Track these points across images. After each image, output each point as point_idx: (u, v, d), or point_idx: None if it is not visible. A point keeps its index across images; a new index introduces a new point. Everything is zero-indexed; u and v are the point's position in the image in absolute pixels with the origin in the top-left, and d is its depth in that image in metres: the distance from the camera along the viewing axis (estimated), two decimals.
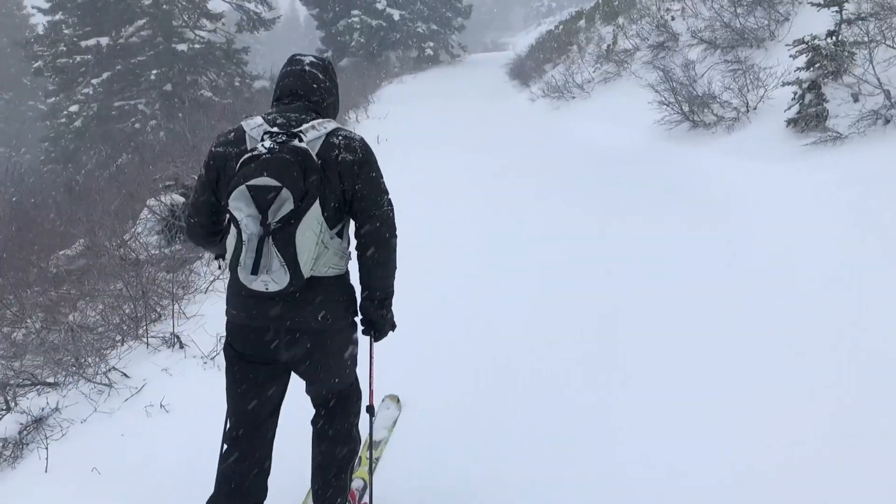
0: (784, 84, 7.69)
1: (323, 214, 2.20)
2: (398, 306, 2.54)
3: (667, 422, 3.35)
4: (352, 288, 2.46)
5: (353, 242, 2.42)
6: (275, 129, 2.20)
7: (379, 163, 2.38)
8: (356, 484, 2.94)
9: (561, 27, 25.46)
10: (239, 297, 2.28)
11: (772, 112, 8.26)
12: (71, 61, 24.65)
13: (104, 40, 24.06)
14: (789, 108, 7.66)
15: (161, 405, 3.77)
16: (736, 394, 3.47)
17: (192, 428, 3.57)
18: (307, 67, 2.45)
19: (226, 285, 2.40)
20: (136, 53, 23.95)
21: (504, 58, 27.19)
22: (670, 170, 8.25)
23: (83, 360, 4.23)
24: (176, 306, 5.03)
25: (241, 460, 2.39)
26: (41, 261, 8.10)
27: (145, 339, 4.50)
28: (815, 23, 9.62)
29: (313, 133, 2.23)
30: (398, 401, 3.66)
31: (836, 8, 7.54)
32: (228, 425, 2.43)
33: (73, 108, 24.43)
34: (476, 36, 50.91)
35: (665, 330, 4.28)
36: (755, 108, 8.70)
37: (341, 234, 2.34)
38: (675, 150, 9.08)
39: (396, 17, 31.37)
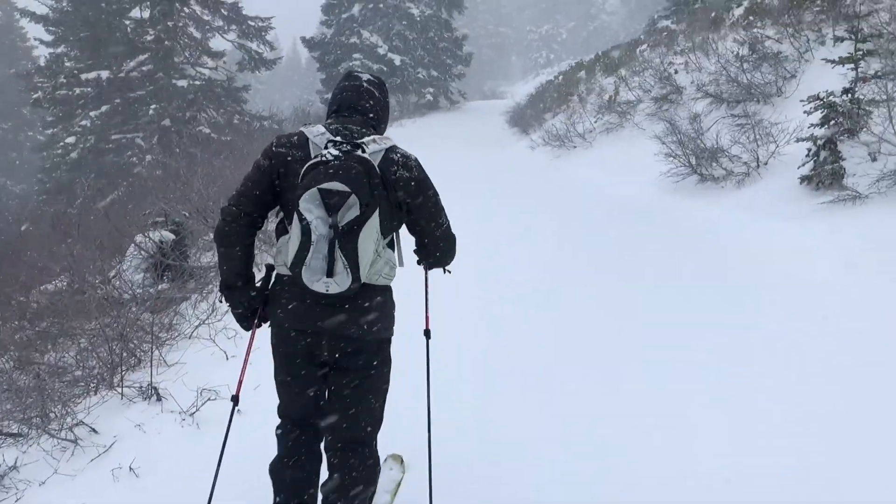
0: (798, 140, 7.49)
1: (380, 224, 2.29)
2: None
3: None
4: (393, 302, 2.55)
5: (402, 256, 2.56)
6: (338, 139, 2.30)
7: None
8: None
9: (561, 77, 25.59)
10: (292, 299, 2.36)
11: (784, 168, 8.05)
12: (70, 93, 24.56)
13: (104, 73, 23.98)
14: (803, 165, 7.45)
15: (131, 468, 3.36)
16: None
17: (163, 498, 3.17)
18: (365, 84, 2.54)
19: (274, 294, 2.46)
20: (136, 88, 23.87)
21: (503, 106, 27.28)
22: (681, 226, 8.00)
23: (48, 411, 3.84)
24: (156, 352, 4.65)
25: (297, 436, 2.55)
26: (21, 295, 7.72)
27: (120, 389, 4.10)
28: (823, 80, 9.50)
29: (374, 146, 2.33)
30: (402, 461, 3.34)
31: (851, 65, 7.38)
32: (282, 416, 2.61)
33: (70, 140, 24.23)
34: (475, 84, 51.38)
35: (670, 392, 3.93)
36: (766, 164, 8.49)
37: (391, 246, 2.47)
38: (685, 205, 8.84)
39: (397, 62, 31.56)
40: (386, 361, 2.54)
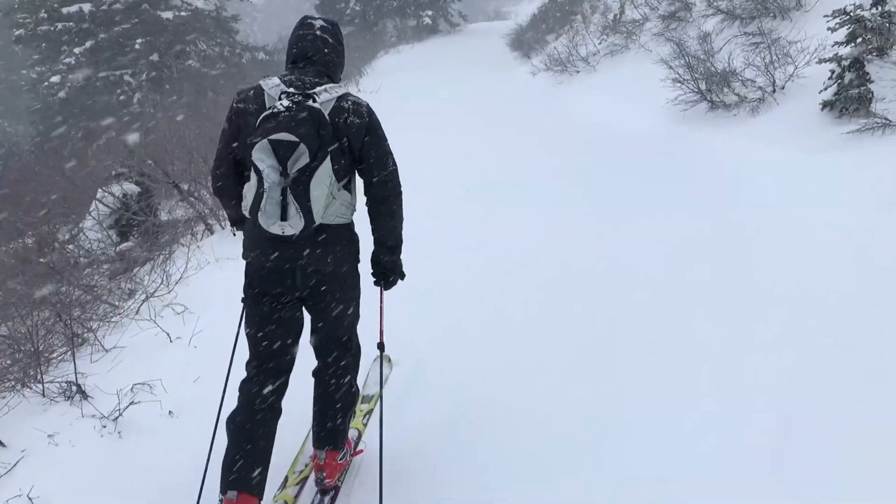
0: (820, 61, 6.68)
1: (332, 169, 2.44)
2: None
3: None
4: (356, 236, 2.72)
5: (361, 199, 2.69)
6: (291, 90, 2.41)
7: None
8: (351, 433, 3.08)
9: None
10: (257, 240, 2.52)
11: (803, 93, 7.26)
12: (52, 29, 23.54)
13: (87, 7, 22.90)
14: (825, 89, 6.67)
15: (29, 498, 2.85)
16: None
17: None
18: (318, 32, 2.63)
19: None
20: (121, 21, 22.81)
21: (505, 28, 25.91)
22: (690, 159, 7.29)
23: None
24: (91, 335, 4.14)
25: (261, 377, 2.63)
26: None
27: (41, 386, 3.58)
28: None
29: (326, 96, 2.45)
30: (389, 360, 3.75)
31: None
32: (252, 353, 2.67)
33: (55, 79, 23.33)
34: (478, 3, 49.30)
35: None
36: (783, 88, 7.69)
37: (348, 188, 2.60)
38: (694, 135, 8.09)
39: None
40: (354, 283, 2.75)
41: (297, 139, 2.29)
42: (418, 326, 4.20)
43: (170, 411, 3.39)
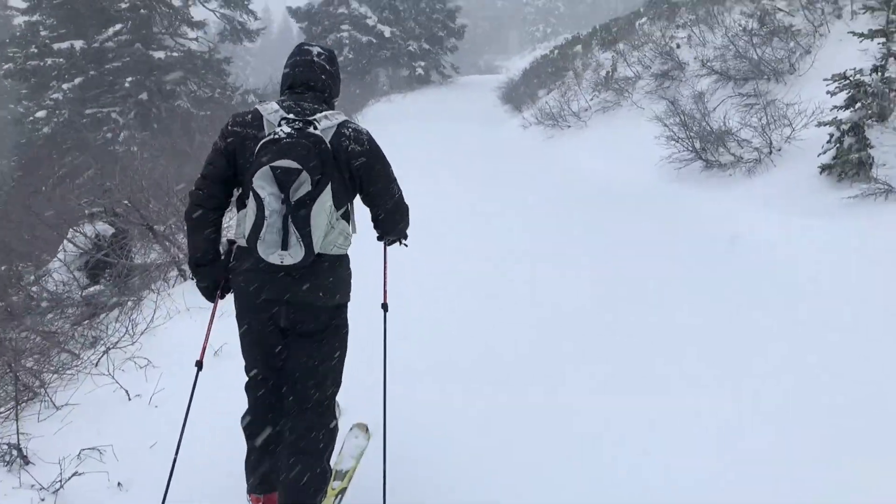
0: (819, 124, 6.58)
1: (333, 197, 2.38)
2: None
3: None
4: (349, 272, 2.65)
5: (357, 228, 2.69)
6: (291, 116, 2.36)
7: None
8: None
9: (557, 52, 24.47)
10: (250, 270, 2.45)
11: (801, 155, 7.15)
12: (42, 64, 23.44)
13: (78, 43, 22.88)
14: (824, 153, 6.55)
15: None
16: None
17: None
18: (316, 59, 2.59)
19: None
20: (112, 59, 22.75)
21: (496, 81, 26.14)
22: (685, 220, 7.08)
23: None
24: (42, 391, 3.78)
25: (265, 387, 2.64)
26: None
27: None
28: (842, 57, 8.60)
29: (326, 122, 2.41)
30: (367, 430, 3.39)
31: (881, 40, 6.45)
32: (248, 376, 2.68)
33: (41, 114, 23.12)
34: (470, 57, 50.03)
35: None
36: (780, 150, 7.58)
37: (346, 217, 2.54)
38: (689, 194, 7.93)
39: (387, 34, 30.36)
40: (342, 325, 2.64)
41: (299, 166, 2.25)
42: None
43: (119, 483, 3.02)
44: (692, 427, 3.35)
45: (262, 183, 2.26)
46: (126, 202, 7.06)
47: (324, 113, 2.44)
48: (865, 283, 4.70)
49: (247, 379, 2.70)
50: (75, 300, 5.97)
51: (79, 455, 3.21)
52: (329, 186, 2.34)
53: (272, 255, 2.31)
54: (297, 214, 2.28)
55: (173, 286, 5.84)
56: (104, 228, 7.13)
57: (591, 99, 14.84)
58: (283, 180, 2.25)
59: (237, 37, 26.12)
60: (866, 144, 6.18)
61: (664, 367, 4.03)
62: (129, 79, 22.21)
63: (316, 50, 2.62)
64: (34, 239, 7.44)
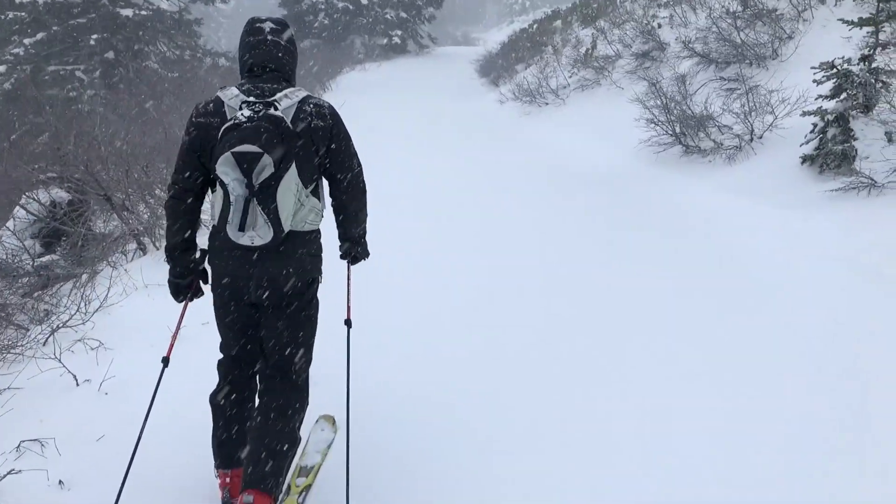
0: (803, 113, 6.46)
1: (299, 176, 2.40)
2: None
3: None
4: (321, 248, 2.66)
5: (328, 201, 2.71)
6: (251, 99, 2.37)
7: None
8: None
9: (536, 26, 24.12)
10: (223, 251, 2.49)
11: (782, 144, 7.04)
12: (2, 17, 22.53)
13: None
14: (806, 143, 6.45)
15: None
16: None
17: None
18: (269, 36, 2.55)
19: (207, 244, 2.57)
20: (77, 15, 21.91)
21: (474, 53, 25.75)
22: (661, 206, 6.94)
23: None
24: None
25: (237, 372, 2.67)
26: None
27: None
28: (826, 44, 8.52)
29: (286, 102, 2.40)
30: (334, 422, 3.25)
31: (870, 29, 6.33)
32: (224, 343, 2.69)
33: (1, 69, 22.24)
34: (447, 28, 49.34)
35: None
36: (761, 138, 7.47)
37: (315, 194, 2.55)
38: (667, 179, 7.80)
39: (364, 0, 29.68)
40: (313, 299, 2.68)
41: (260, 150, 2.24)
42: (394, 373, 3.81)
43: (60, 481, 2.79)
44: (644, 419, 3.26)
45: (226, 169, 2.27)
46: (82, 167, 6.71)
47: (284, 92, 2.42)
48: (846, 280, 4.60)
49: (220, 356, 2.72)
50: (25, 270, 5.64)
51: (18, 447, 2.97)
52: (293, 166, 2.35)
53: (242, 237, 2.35)
54: (263, 196, 2.30)
55: (131, 260, 5.55)
56: (60, 196, 6.80)
57: (570, 76, 14.63)
58: (245, 165, 2.26)
59: None
60: (850, 136, 6.08)
61: (627, 361, 3.87)
62: (95, 36, 21.45)
63: (268, 26, 2.56)
64: None
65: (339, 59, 26.39)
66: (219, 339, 2.70)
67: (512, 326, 4.37)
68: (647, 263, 5.36)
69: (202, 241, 2.58)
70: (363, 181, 2.70)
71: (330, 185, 2.66)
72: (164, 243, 5.53)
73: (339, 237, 2.82)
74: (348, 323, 2.84)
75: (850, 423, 3.15)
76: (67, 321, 4.17)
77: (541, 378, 3.74)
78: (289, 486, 2.76)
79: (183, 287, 2.60)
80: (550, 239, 6.16)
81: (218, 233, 2.46)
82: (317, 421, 3.21)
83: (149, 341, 4.02)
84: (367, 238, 2.93)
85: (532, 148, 11.00)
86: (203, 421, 2.71)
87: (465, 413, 3.39)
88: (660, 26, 12.98)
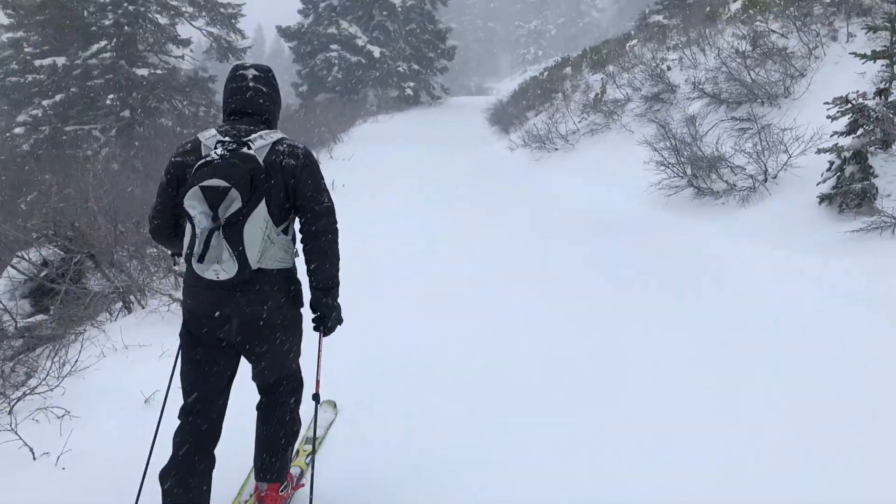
0: (819, 151, 6.16)
1: (269, 213, 2.44)
2: None
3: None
4: (298, 281, 2.68)
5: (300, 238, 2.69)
6: (226, 139, 2.45)
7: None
8: (294, 471, 3.07)
9: (546, 73, 24.22)
10: (193, 287, 2.51)
11: (798, 184, 6.73)
12: (22, 81, 23.09)
13: (61, 60, 22.52)
14: (823, 181, 6.14)
15: None
16: None
17: None
18: (251, 83, 2.64)
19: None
20: (95, 77, 22.36)
21: (486, 102, 25.85)
22: (674, 251, 6.63)
23: None
24: None
25: (195, 422, 2.56)
26: None
27: None
28: (839, 80, 8.27)
29: (260, 142, 2.49)
30: (335, 406, 3.74)
31: (885, 62, 6.08)
32: (184, 401, 2.60)
33: (18, 131, 22.66)
34: (460, 79, 49.98)
35: None
36: (775, 178, 7.17)
37: (287, 232, 2.60)
38: (679, 223, 7.49)
39: (377, 53, 30.10)
40: (294, 326, 2.70)
41: (228, 185, 2.29)
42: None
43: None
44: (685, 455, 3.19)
45: (193, 202, 2.31)
46: (70, 223, 6.55)
47: (259, 133, 2.50)
48: (871, 326, 4.25)
49: (181, 404, 2.61)
50: (8, 332, 5.43)
51: None
52: (263, 202, 2.40)
53: (206, 271, 2.38)
54: (230, 231, 2.34)
55: (115, 319, 5.33)
56: (52, 253, 6.64)
57: (580, 121, 14.49)
58: (212, 199, 2.31)
59: (223, 55, 25.73)
60: (870, 173, 5.77)
61: (644, 404, 3.60)
62: (111, 96, 21.84)
63: (251, 73, 2.66)
64: None
65: (353, 112, 26.62)
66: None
67: (517, 359, 4.42)
68: (660, 309, 5.05)
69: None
70: (334, 219, 2.63)
71: (300, 220, 2.61)
72: (149, 302, 5.32)
73: (310, 288, 2.68)
74: (316, 398, 2.78)
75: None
76: (35, 387, 3.91)
77: (544, 405, 3.78)
78: (297, 450, 3.20)
79: None
80: (557, 284, 5.90)
81: (188, 269, 2.49)
82: (321, 404, 3.51)
83: (119, 406, 3.77)
84: (343, 308, 2.80)
85: (541, 193, 10.79)
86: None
87: (469, 434, 3.53)
88: (669, 69, 12.84)
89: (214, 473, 2.59)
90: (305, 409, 2.90)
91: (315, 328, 2.72)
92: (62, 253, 6.76)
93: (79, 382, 4.12)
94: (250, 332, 2.52)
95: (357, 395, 3.95)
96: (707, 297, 5.29)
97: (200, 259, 2.34)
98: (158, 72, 22.81)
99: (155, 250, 6.03)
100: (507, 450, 3.34)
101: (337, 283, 2.70)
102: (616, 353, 4.38)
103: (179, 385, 2.61)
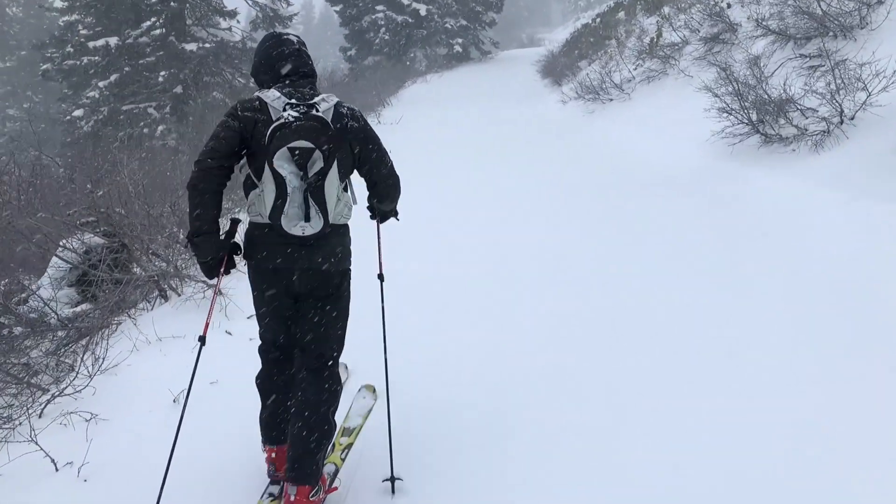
0: None
1: (338, 171, 2.63)
2: None
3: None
4: (351, 238, 2.87)
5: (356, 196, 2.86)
6: (293, 101, 2.58)
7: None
8: (328, 468, 3.01)
9: (599, 20, 23.18)
10: (268, 244, 2.65)
11: (881, 125, 6.08)
12: (78, 63, 23.48)
13: (113, 40, 22.79)
14: None
15: None
16: None
17: None
18: (301, 48, 2.83)
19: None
20: (147, 54, 22.56)
21: (538, 54, 24.98)
22: (742, 206, 6.13)
23: None
24: None
25: (273, 345, 2.89)
26: None
27: None
28: None
29: (325, 105, 2.64)
30: (374, 391, 3.65)
31: None
32: (261, 334, 2.92)
33: (78, 113, 23.15)
34: (511, 32, 48.67)
35: None
36: (852, 119, 6.50)
37: (347, 190, 2.78)
38: (745, 174, 6.92)
39: (423, 11, 29.42)
40: (347, 289, 2.89)
41: (312, 145, 2.48)
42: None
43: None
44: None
45: (282, 162, 2.47)
46: (120, 211, 6.45)
47: (321, 96, 2.67)
48: None
49: (260, 343, 2.93)
50: (51, 325, 5.38)
51: None
52: (336, 162, 2.56)
53: (295, 227, 2.55)
54: (314, 189, 2.51)
55: (152, 308, 5.20)
56: (95, 241, 6.58)
57: (635, 68, 13.75)
58: (300, 159, 2.48)
59: (270, 24, 25.56)
60: None
61: (703, 375, 3.43)
62: (163, 73, 22.00)
63: (296, 38, 2.85)
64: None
65: (402, 73, 26.18)
66: (257, 329, 2.90)
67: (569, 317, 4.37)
68: (724, 274, 4.63)
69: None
70: (397, 175, 2.92)
71: (368, 182, 2.89)
72: (184, 289, 5.16)
73: (377, 209, 3.05)
74: (381, 277, 3.08)
75: None
76: (64, 389, 3.78)
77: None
78: (333, 445, 3.12)
79: (214, 266, 2.68)
80: (613, 243, 5.56)
81: (263, 227, 2.62)
82: (359, 390, 3.62)
83: (147, 407, 3.61)
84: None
85: (596, 149, 10.27)
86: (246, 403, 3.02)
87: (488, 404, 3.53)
88: (729, 6, 11.95)
89: (234, 480, 2.87)
90: (349, 394, 3.18)
91: (372, 217, 3.11)
92: (104, 240, 6.71)
93: (109, 380, 3.99)
94: (315, 281, 2.71)
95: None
96: (775, 251, 4.87)
97: (307, 217, 2.52)
98: (207, 45, 22.84)
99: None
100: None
101: (396, 206, 3.09)
102: (662, 314, 4.09)
103: (257, 322, 2.89)
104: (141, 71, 22.70)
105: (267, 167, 2.50)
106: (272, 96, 2.59)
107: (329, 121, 2.57)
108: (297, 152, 2.46)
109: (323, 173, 2.51)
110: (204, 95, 22.31)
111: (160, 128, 22.16)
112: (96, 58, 22.82)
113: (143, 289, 5.37)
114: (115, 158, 7.55)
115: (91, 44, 22.78)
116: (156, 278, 5.18)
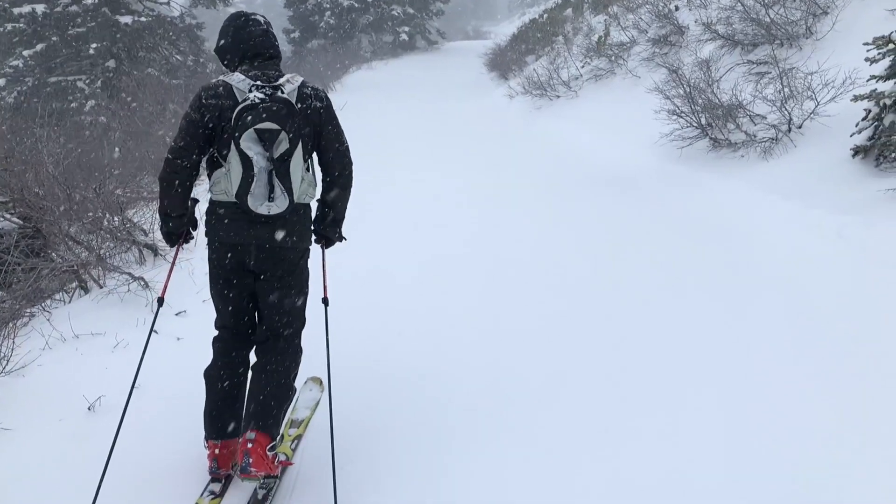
0: (855, 98, 5.51)
1: (303, 152, 2.66)
2: None
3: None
4: (311, 217, 2.90)
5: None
6: (258, 83, 2.61)
7: None
8: (279, 457, 2.88)
9: (546, 16, 23.15)
10: (230, 221, 2.66)
11: (828, 134, 6.11)
12: (1, 29, 22.13)
13: (40, 7, 21.50)
14: (858, 132, 5.53)
15: None
16: None
17: None
18: (264, 27, 2.82)
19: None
20: (78, 25, 21.41)
21: (484, 47, 24.82)
22: (690, 209, 6.07)
23: None
24: None
25: (228, 329, 2.85)
26: None
27: None
28: (865, 18, 7.56)
29: (289, 86, 2.66)
30: (321, 383, 3.64)
31: None
32: (218, 317, 2.88)
33: (1, 83, 21.82)
34: (457, 23, 48.46)
35: None
36: (800, 127, 6.53)
37: (310, 169, 2.80)
38: (693, 178, 6.89)
39: None
40: (306, 267, 2.90)
41: (278, 127, 2.52)
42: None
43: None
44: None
45: (249, 143, 2.51)
46: (38, 191, 5.94)
47: (286, 77, 2.68)
48: None
49: (215, 333, 2.88)
50: None
51: None
52: (300, 142, 2.60)
53: (260, 206, 2.57)
54: (280, 169, 2.55)
55: (70, 302, 4.78)
56: (6, 224, 6.05)
57: (583, 66, 13.70)
58: (267, 140, 2.51)
59: (210, 2, 24.65)
60: None
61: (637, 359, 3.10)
62: (95, 45, 20.93)
63: (261, 18, 2.83)
64: None
65: (347, 58, 25.65)
66: (213, 316, 2.86)
67: (512, 321, 4.18)
68: (671, 275, 4.52)
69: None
70: (350, 156, 2.89)
71: (322, 160, 2.84)
72: (107, 281, 4.76)
73: (322, 218, 2.92)
74: (325, 301, 2.98)
75: None
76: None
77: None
78: (282, 436, 3.03)
79: (175, 236, 2.79)
80: (558, 244, 5.39)
81: (228, 204, 2.63)
82: (305, 382, 3.56)
83: (57, 416, 3.25)
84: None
85: (542, 146, 10.12)
86: (190, 392, 2.93)
87: (462, 396, 3.45)
88: (677, 8, 12.02)
89: (171, 480, 2.76)
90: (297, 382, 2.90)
91: (317, 241, 2.97)
92: (18, 223, 6.19)
93: (15, 383, 3.59)
94: (277, 258, 2.70)
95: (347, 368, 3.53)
96: (721, 259, 4.81)
97: (270, 198, 2.54)
98: (143, 19, 21.84)
99: (116, 220, 5.43)
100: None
101: (343, 219, 2.98)
102: (615, 311, 3.95)
103: (212, 303, 2.84)
104: (70, 42, 21.56)
105: (233, 147, 2.53)
106: (237, 79, 2.60)
107: (294, 102, 2.60)
108: (263, 133, 2.50)
109: (288, 154, 2.55)
110: (141, 70, 21.31)
111: (90, 103, 21.08)
112: (21, 24, 21.56)
113: (60, 278, 4.92)
114: (37, 135, 6.97)
115: (16, 10, 21.48)
116: (75, 268, 4.74)
